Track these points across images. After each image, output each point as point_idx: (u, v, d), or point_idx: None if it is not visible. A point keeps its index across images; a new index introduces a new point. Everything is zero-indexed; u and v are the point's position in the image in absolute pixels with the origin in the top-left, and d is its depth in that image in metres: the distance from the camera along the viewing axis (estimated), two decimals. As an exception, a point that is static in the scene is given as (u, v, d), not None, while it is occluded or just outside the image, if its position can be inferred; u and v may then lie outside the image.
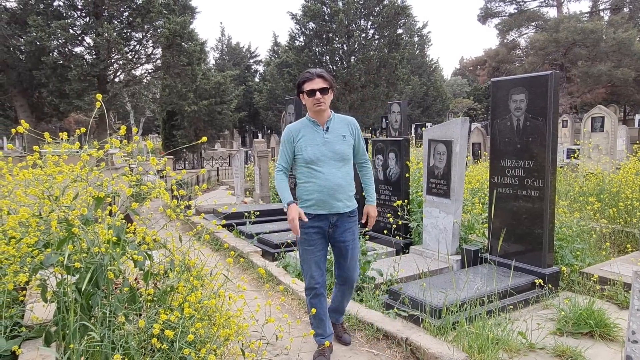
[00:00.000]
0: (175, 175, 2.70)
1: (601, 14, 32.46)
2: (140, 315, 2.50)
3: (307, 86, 2.79)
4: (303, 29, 24.88)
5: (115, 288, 2.51)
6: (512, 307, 3.64)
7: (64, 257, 2.25)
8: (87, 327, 2.17)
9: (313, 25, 24.25)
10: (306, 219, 2.80)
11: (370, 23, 24.89)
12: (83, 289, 2.12)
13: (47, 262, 2.31)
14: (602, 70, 25.84)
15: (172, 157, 17.71)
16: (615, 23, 27.26)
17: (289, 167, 2.97)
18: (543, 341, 3.14)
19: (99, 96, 2.58)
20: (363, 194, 3.22)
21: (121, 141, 2.61)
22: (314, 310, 2.83)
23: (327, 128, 2.88)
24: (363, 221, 3.19)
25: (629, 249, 4.94)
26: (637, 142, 12.12)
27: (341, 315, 3.29)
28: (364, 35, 24.50)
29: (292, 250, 5.33)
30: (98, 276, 2.17)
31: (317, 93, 2.77)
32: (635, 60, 26.10)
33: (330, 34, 23.89)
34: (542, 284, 3.90)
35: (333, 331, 3.11)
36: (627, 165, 6.90)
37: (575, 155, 9.50)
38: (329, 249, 3.04)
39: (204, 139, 2.73)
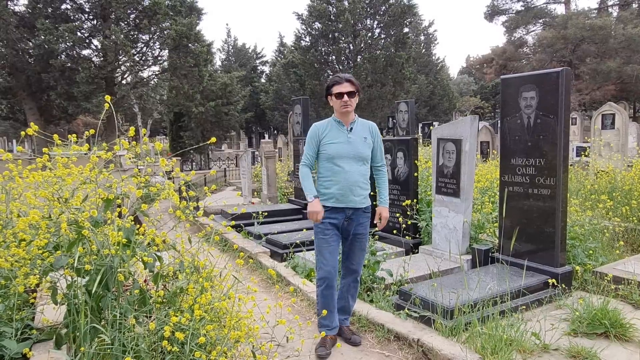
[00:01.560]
0: (185, 177, 2.68)
1: (610, 9, 32.11)
2: (151, 317, 2.49)
3: (336, 89, 3.02)
4: (309, 29, 24.87)
5: (125, 290, 2.50)
6: (524, 307, 3.59)
7: (74, 259, 2.25)
8: (97, 329, 2.16)
9: (319, 25, 24.22)
10: (321, 220, 3.02)
11: (376, 22, 24.83)
12: (93, 291, 2.11)
13: (57, 265, 2.31)
14: (611, 66, 25.55)
15: (179, 158, 17.77)
16: (625, 19, 26.96)
17: (313, 161, 3.17)
18: (557, 342, 3.09)
19: (107, 97, 2.58)
20: (371, 193, 3.26)
21: (130, 143, 2.60)
22: (322, 310, 2.98)
23: (351, 129, 3.09)
24: (375, 221, 3.28)
25: (642, 248, 4.86)
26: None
27: (348, 315, 3.29)
28: (370, 34, 24.44)
29: (301, 251, 5.31)
30: (108, 278, 2.16)
31: (345, 96, 2.99)
32: (645, 56, 25.80)
33: (336, 34, 23.86)
34: (555, 283, 3.84)
35: (339, 324, 3.20)
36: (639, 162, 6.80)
37: (586, 153, 9.39)
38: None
39: (213, 139, 2.72)
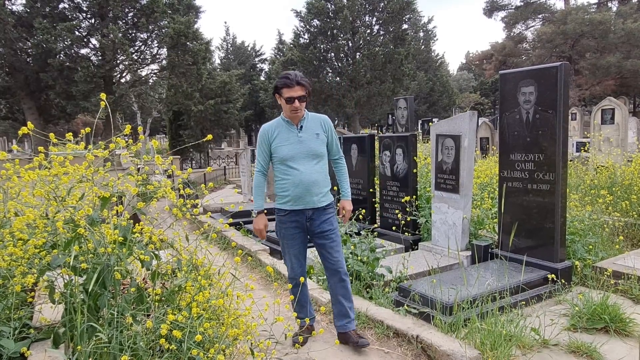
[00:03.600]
0: (182, 175, 2.67)
1: (609, 4, 32.01)
2: (149, 315, 2.49)
3: (286, 93, 2.89)
4: (307, 26, 24.80)
5: (123, 288, 2.50)
6: (524, 302, 3.58)
7: (71, 258, 2.24)
8: (95, 328, 2.15)
9: (317, 22, 24.16)
10: (264, 238, 3.15)
11: (375, 19, 24.76)
12: (90, 289, 2.10)
13: (54, 263, 2.29)
14: (611, 61, 25.48)
15: (179, 157, 17.76)
16: (624, 13, 26.87)
17: (267, 167, 3.13)
18: (557, 337, 3.09)
19: (103, 95, 2.56)
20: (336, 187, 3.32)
21: (127, 141, 2.59)
22: (292, 297, 3.03)
23: (301, 127, 2.99)
24: (340, 215, 3.27)
25: (642, 242, 4.85)
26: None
27: (349, 318, 3.06)
28: (369, 31, 24.38)
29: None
30: (105, 277, 2.15)
31: (296, 101, 2.89)
32: (645, 51, 25.73)
33: (335, 31, 23.79)
34: (555, 279, 3.84)
35: (314, 315, 3.28)
36: (639, 157, 6.78)
37: (586, 148, 9.37)
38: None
39: (210, 136, 2.71)
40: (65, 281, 2.35)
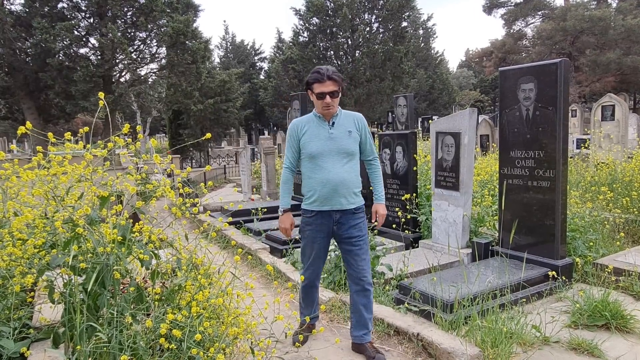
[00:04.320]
0: (181, 174, 2.67)
1: (609, 0, 31.96)
2: (149, 314, 2.48)
3: (317, 88, 2.74)
4: (307, 25, 24.76)
5: (123, 288, 2.49)
6: (524, 300, 3.58)
7: (70, 258, 2.23)
8: (94, 327, 2.15)
9: (317, 20, 24.12)
10: (291, 237, 3.01)
11: (374, 17, 24.71)
12: (89, 289, 2.10)
13: (53, 263, 2.29)
14: (611, 58, 25.47)
15: (179, 156, 17.75)
16: (624, 10, 26.83)
17: (295, 163, 2.96)
18: (558, 334, 3.08)
19: (101, 94, 2.55)
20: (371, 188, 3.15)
21: (125, 140, 2.58)
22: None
23: (333, 123, 2.83)
24: (373, 220, 3.07)
25: (643, 239, 4.85)
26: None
27: (367, 330, 2.90)
28: (368, 29, 24.33)
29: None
30: (104, 276, 2.15)
31: (327, 97, 2.73)
32: (645, 47, 25.69)
33: (334, 29, 23.75)
34: (555, 276, 3.83)
35: (317, 315, 3.14)
36: (640, 153, 6.77)
37: (586, 145, 9.36)
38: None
39: (208, 135, 2.70)
40: (65, 281, 2.35)
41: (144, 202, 2.80)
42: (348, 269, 2.93)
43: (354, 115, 2.93)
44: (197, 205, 2.69)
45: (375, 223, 3.08)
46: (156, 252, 2.41)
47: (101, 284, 2.18)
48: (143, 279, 2.88)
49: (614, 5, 30.00)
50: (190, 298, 2.45)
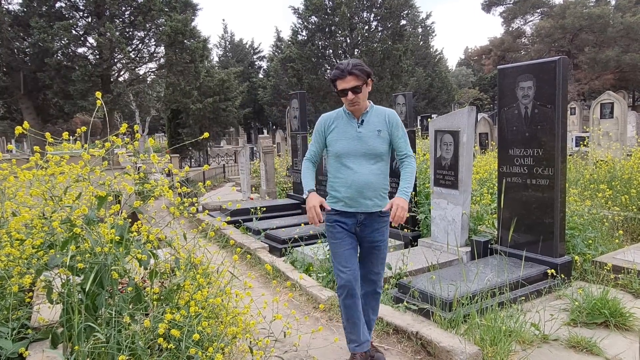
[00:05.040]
0: (179, 173, 2.66)
1: (608, -2, 31.96)
2: (148, 314, 2.48)
3: (339, 85, 2.60)
4: (305, 23, 24.76)
5: (122, 287, 2.49)
6: (524, 298, 3.58)
7: (68, 258, 2.23)
8: (93, 327, 2.14)
9: (315, 19, 24.11)
10: (329, 208, 2.69)
11: (373, 15, 24.71)
12: (87, 289, 2.09)
13: (51, 263, 2.28)
14: (610, 55, 25.50)
15: (178, 155, 17.73)
16: (623, 7, 26.84)
17: (318, 157, 2.84)
18: (557, 332, 3.08)
19: (98, 94, 2.54)
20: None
21: (123, 139, 2.58)
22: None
23: (362, 122, 2.67)
24: (385, 208, 2.70)
25: (643, 237, 4.84)
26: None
27: (370, 331, 2.86)
28: (367, 27, 24.33)
29: (299, 245, 5.29)
30: (102, 276, 2.14)
31: (350, 93, 2.58)
32: (644, 44, 25.71)
33: (333, 27, 23.75)
34: (554, 274, 3.83)
35: (369, 338, 2.76)
36: (639, 151, 6.77)
37: (585, 143, 9.36)
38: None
39: (206, 135, 2.69)
40: (63, 281, 2.34)
41: (142, 202, 2.80)
42: (362, 269, 2.79)
43: (385, 113, 2.73)
44: (196, 204, 2.68)
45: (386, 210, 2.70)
46: (154, 251, 2.41)
47: (99, 284, 2.17)
48: (142, 278, 2.88)
49: (613, 2, 30.00)
50: (189, 297, 2.45)
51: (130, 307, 2.27)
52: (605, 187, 5.70)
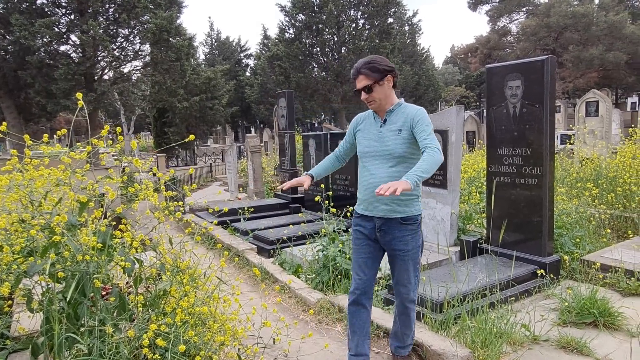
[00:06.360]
0: (163, 176, 2.59)
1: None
2: (133, 320, 2.40)
3: (356, 85, 2.55)
4: (293, 21, 24.62)
5: (105, 294, 2.41)
6: (513, 298, 3.57)
7: (48, 265, 2.15)
8: (75, 339, 2.06)
9: (302, 16, 23.99)
10: (306, 187, 2.63)
11: (360, 13, 24.67)
12: (69, 297, 2.01)
13: (31, 271, 2.20)
14: (594, 54, 25.80)
15: (164, 154, 17.51)
16: (606, 6, 27.18)
17: (343, 153, 2.82)
18: (547, 333, 3.08)
19: (79, 95, 2.46)
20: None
21: (106, 140, 2.50)
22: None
23: (385, 121, 2.56)
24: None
25: (630, 235, 4.89)
26: (632, 125, 12.11)
27: (400, 344, 2.74)
28: (354, 25, 24.27)
29: (288, 246, 5.24)
30: (85, 284, 2.06)
31: (362, 93, 2.52)
32: (627, 43, 26.08)
33: (320, 25, 23.65)
34: (544, 273, 3.83)
35: (367, 353, 2.65)
36: (624, 149, 6.84)
37: (571, 141, 9.44)
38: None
39: (192, 137, 2.62)
40: (44, 289, 2.26)
41: (126, 205, 2.72)
42: (392, 278, 2.68)
43: (408, 111, 2.53)
44: (182, 208, 2.61)
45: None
46: (138, 257, 2.33)
47: (81, 292, 2.10)
48: (127, 283, 2.80)
49: (597, 1, 30.39)
50: (175, 304, 2.38)
51: (114, 315, 2.19)
52: (592, 185, 5.75)
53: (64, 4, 15.24)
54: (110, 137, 2.49)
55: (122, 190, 2.48)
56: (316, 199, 4.80)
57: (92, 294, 2.13)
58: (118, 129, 2.57)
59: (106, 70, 16.45)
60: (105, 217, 2.46)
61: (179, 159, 21.42)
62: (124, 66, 16.99)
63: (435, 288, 3.40)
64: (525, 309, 3.38)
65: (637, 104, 25.21)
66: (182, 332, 2.13)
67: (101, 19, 15.34)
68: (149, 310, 2.47)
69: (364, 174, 2.59)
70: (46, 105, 14.91)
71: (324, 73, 24.52)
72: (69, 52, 15.63)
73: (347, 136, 2.76)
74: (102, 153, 2.54)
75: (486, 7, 34.27)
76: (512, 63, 4.34)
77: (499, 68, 4.41)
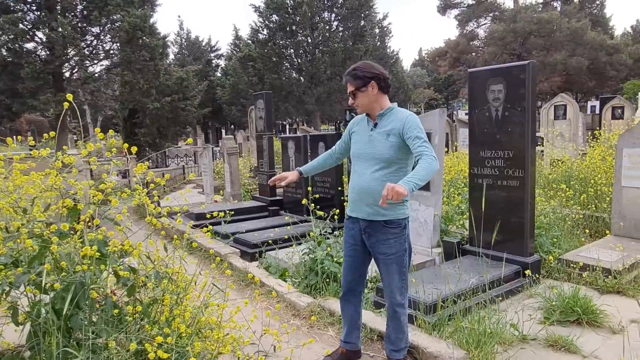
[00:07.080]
0: (143, 176, 2.51)
1: (554, 4, 33.54)
2: (126, 332, 2.32)
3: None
4: (266, 22, 24.52)
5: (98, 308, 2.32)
6: (500, 298, 3.64)
7: (35, 276, 2.05)
8: (67, 352, 1.98)
9: (276, 17, 23.92)
10: (283, 184, 2.82)
11: (334, 15, 24.80)
12: (65, 310, 1.92)
13: (17, 283, 2.09)
14: (557, 59, 26.75)
15: (135, 156, 17.07)
16: (568, 13, 28.29)
17: (339, 153, 2.93)
18: (534, 332, 3.15)
19: (69, 96, 2.36)
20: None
21: (76, 142, 2.41)
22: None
23: (375, 124, 2.61)
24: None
25: (607, 234, 5.08)
26: (597, 128, 12.60)
27: (393, 346, 2.70)
28: (328, 27, 24.38)
29: (273, 249, 5.19)
30: (80, 296, 1.98)
31: (350, 98, 2.62)
32: (588, 49, 27.18)
33: (294, 27, 23.64)
34: (528, 273, 3.93)
35: (354, 342, 2.84)
36: (593, 151, 7.11)
37: (542, 144, 9.75)
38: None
39: (189, 140, 2.56)
40: (31, 300, 2.15)
41: (99, 207, 2.61)
42: (382, 281, 2.75)
43: (399, 116, 2.56)
44: (158, 210, 2.55)
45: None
46: (134, 266, 2.26)
47: (76, 304, 2.01)
48: (112, 291, 2.71)
49: (559, 8, 31.56)
50: (168, 313, 2.32)
51: (109, 328, 2.11)
52: (565, 186, 5.94)
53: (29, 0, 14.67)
54: (78, 138, 2.39)
55: (93, 193, 2.37)
56: (303, 202, 4.76)
57: (88, 306, 2.04)
58: (97, 130, 2.48)
59: (75, 70, 15.91)
60: (92, 223, 2.37)
61: (150, 161, 20.93)
62: (94, 65, 16.48)
63: (425, 290, 3.43)
64: (511, 308, 3.46)
65: (596, 107, 26.28)
66: (188, 343, 2.07)
67: (70, 16, 14.84)
68: (139, 320, 2.39)
69: (353, 175, 2.67)
70: (11, 105, 14.30)
71: (298, 75, 24.50)
72: (36, 50, 15.05)
73: (343, 136, 2.86)
74: (70, 155, 2.43)
75: (455, 12, 35.07)
76: (494, 67, 4.44)
77: (481, 72, 4.50)
